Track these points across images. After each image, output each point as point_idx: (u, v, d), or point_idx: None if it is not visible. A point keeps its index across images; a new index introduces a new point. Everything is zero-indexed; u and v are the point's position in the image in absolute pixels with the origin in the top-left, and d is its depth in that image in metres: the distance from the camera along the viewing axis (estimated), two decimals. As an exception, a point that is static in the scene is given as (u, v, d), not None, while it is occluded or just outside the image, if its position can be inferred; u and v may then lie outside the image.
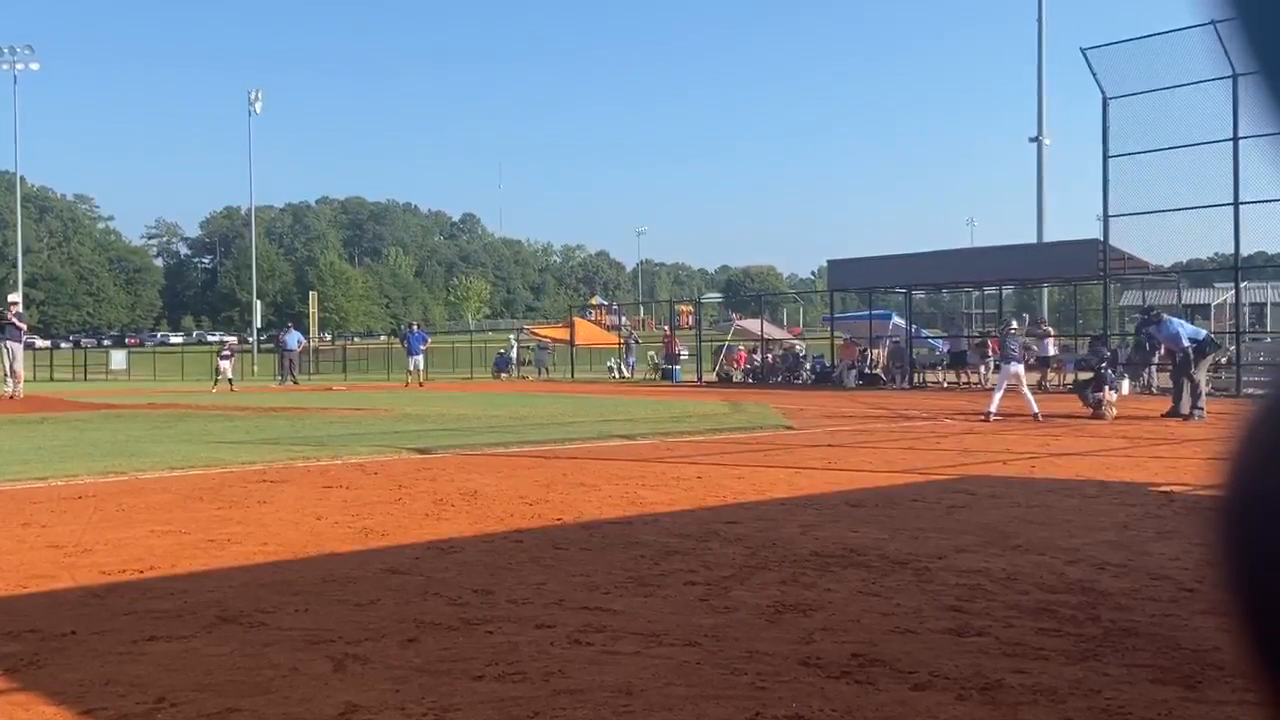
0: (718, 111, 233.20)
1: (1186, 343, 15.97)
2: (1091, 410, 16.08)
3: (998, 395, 16.27)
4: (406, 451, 11.24)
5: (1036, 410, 15.74)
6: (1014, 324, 17.57)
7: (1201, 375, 16.00)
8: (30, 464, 9.90)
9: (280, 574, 5.18)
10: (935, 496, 7.72)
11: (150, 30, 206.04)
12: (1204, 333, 16.95)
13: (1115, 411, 16.11)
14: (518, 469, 9.60)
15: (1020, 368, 16.45)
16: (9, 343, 20.19)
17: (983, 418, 15.64)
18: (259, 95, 63.70)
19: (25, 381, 20.97)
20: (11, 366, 20.15)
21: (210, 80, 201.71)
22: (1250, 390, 21.20)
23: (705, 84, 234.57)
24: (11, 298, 22.84)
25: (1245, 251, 22.44)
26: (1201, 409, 15.47)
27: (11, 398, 19.79)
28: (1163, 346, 18.35)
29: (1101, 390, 16.25)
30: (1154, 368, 23.35)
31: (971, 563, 5.32)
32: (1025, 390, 16.37)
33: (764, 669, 3.58)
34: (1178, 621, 4.18)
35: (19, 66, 55.44)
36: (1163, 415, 16.01)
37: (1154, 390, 22.45)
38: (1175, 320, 17.21)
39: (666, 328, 39.92)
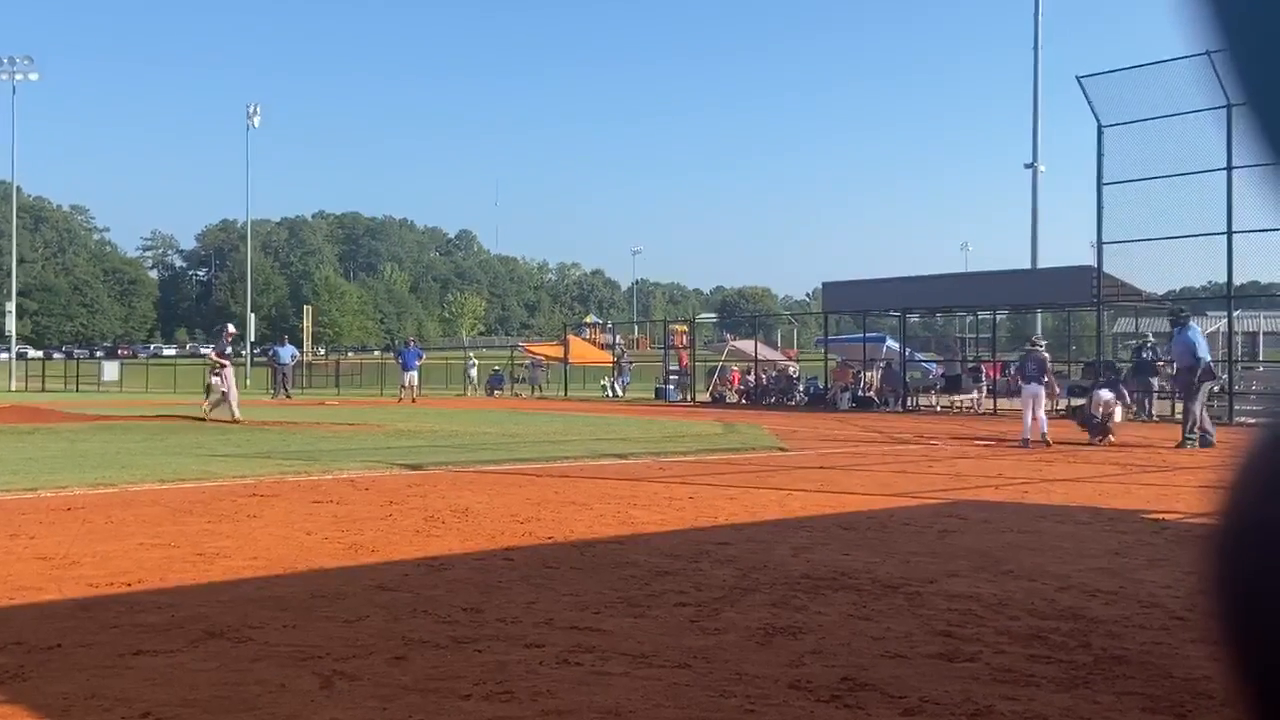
0: (715, 133, 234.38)
1: (1205, 357, 15.47)
2: (1099, 437, 15.82)
3: (1029, 419, 15.48)
4: (398, 467, 11.21)
5: (1028, 437, 15.42)
6: (1040, 342, 16.59)
7: (1198, 405, 15.54)
8: (20, 475, 9.86)
9: (268, 589, 5.15)
10: (927, 521, 7.71)
11: (149, 43, 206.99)
12: (1209, 359, 16.40)
13: (1115, 436, 15.88)
14: (509, 487, 9.58)
15: (1040, 389, 15.74)
16: (224, 370, 19.65)
17: (1019, 444, 15.08)
18: (257, 109, 63.96)
19: (17, 392, 20.57)
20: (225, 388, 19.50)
21: (208, 94, 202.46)
22: (1244, 419, 21.23)
23: (703, 105, 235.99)
24: (230, 327, 22.30)
25: (1238, 280, 22.52)
26: (1204, 436, 15.17)
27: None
28: (1172, 365, 18.06)
29: (1097, 413, 16.04)
30: (1154, 395, 23.41)
31: (963, 588, 5.31)
32: (1027, 414, 15.70)
33: (753, 692, 3.57)
34: (1168, 650, 4.17)
35: (18, 77, 55.53)
36: (1175, 446, 15.29)
37: (1153, 418, 22.48)
38: (1198, 331, 16.35)
39: (683, 351, 40.02)
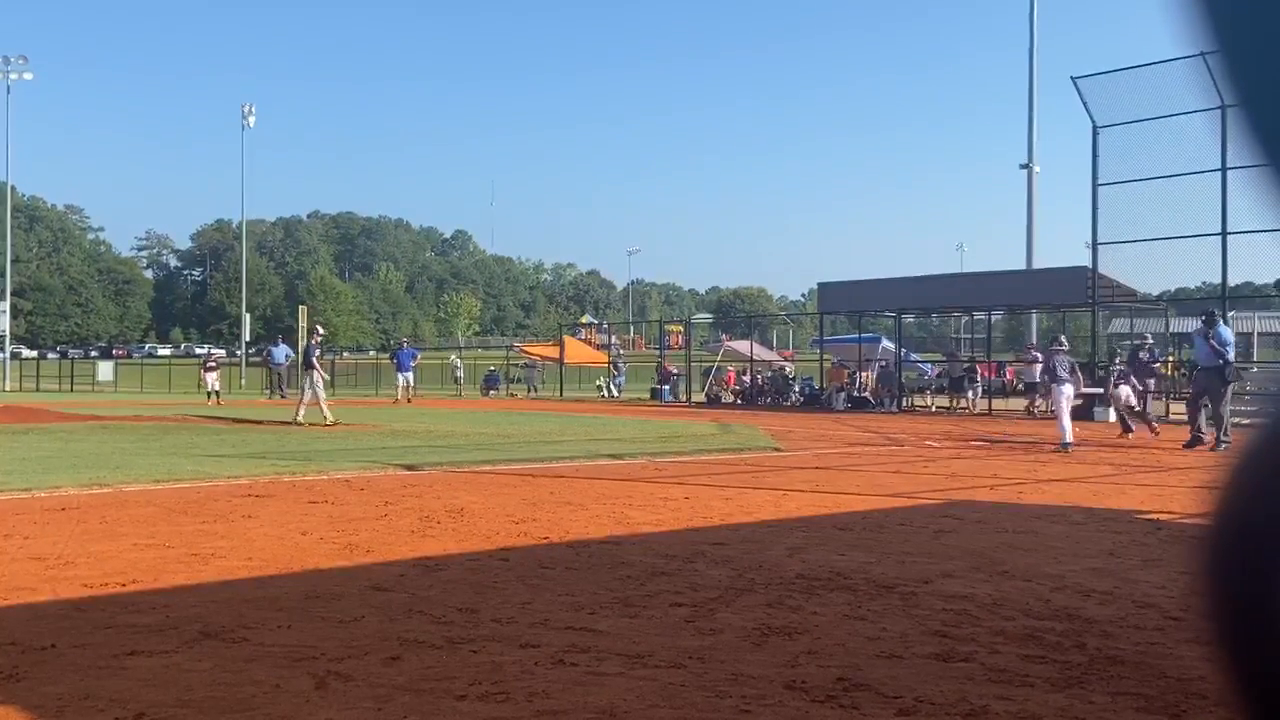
0: (711, 134, 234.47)
1: (1232, 355, 15.37)
2: (1145, 428, 16.98)
3: (1066, 423, 14.91)
4: (393, 468, 11.20)
5: (1070, 441, 14.71)
6: (1063, 341, 16.35)
7: (1227, 406, 15.19)
8: (14, 475, 9.84)
9: (263, 589, 5.15)
10: (922, 521, 7.72)
11: (145, 42, 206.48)
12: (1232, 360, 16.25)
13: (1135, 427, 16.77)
14: (504, 487, 9.58)
15: (1070, 389, 15.30)
16: (312, 372, 19.14)
17: (1059, 448, 14.53)
18: (252, 109, 63.77)
19: (11, 392, 19.90)
20: (316, 392, 18.95)
21: (203, 93, 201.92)
22: (1238, 420, 21.25)
23: (699, 106, 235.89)
24: (319, 329, 21.60)
25: (1232, 281, 22.59)
26: (1195, 436, 15.23)
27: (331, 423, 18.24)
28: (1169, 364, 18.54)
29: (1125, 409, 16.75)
30: (1149, 396, 23.45)
31: (958, 588, 5.32)
32: (1065, 417, 15.11)
33: (749, 692, 3.57)
34: (1163, 650, 4.18)
35: (13, 76, 55.38)
36: (1183, 446, 15.22)
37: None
38: (1229, 331, 16.06)
39: (667, 360, 40.18)
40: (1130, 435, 17.14)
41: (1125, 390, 17.49)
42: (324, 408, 18.63)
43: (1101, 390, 18.58)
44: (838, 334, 36.66)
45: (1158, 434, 17.09)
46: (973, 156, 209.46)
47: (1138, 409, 17.95)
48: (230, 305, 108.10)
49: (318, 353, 19.71)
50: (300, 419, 18.45)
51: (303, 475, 10.32)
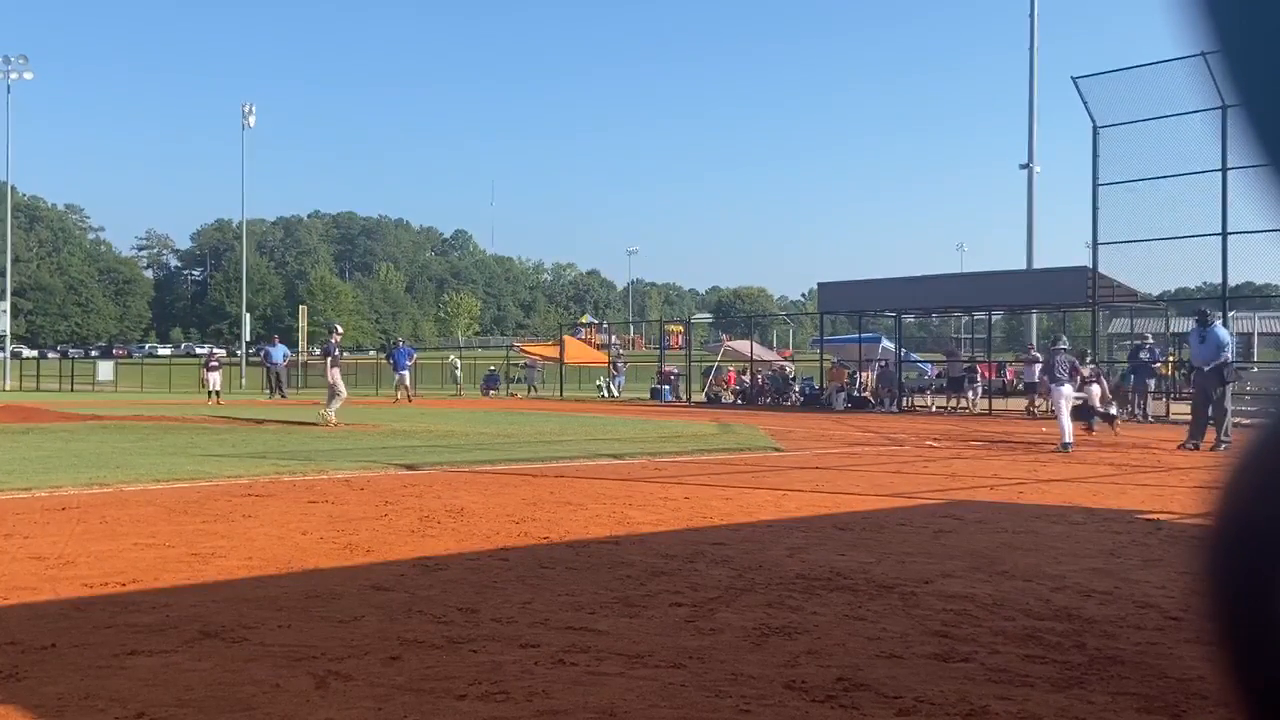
0: (711, 133, 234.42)
1: (1231, 356, 15.25)
2: (1110, 424, 17.40)
3: (1066, 423, 14.90)
4: (393, 467, 11.20)
5: (1069, 441, 14.70)
6: (1064, 341, 16.40)
7: (1227, 405, 15.09)
8: (14, 474, 9.84)
9: (263, 589, 5.15)
10: (922, 521, 7.72)
11: (145, 41, 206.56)
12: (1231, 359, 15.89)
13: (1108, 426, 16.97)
14: (504, 487, 9.58)
15: (1070, 389, 15.29)
16: (333, 369, 19.09)
17: (1059, 448, 14.51)
18: (252, 109, 63.73)
19: (11, 391, 19.74)
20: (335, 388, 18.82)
21: (203, 93, 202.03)
22: (1239, 421, 21.26)
23: (699, 106, 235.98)
24: (337, 328, 21.33)
25: (1233, 281, 22.56)
26: (1191, 438, 15.23)
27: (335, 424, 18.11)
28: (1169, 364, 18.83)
29: (1100, 407, 17.01)
30: (1150, 396, 23.48)
31: (958, 588, 5.32)
32: (1064, 417, 15.10)
33: (748, 692, 3.57)
34: (1163, 650, 4.18)
35: (13, 76, 55.35)
36: (1178, 447, 15.12)
37: (1148, 419, 22.51)
38: (1225, 331, 15.93)
39: (666, 367, 40.30)
40: (1116, 428, 17.61)
41: (1096, 389, 18.07)
42: (331, 408, 18.59)
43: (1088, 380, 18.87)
44: (838, 334, 36.65)
45: (1116, 433, 17.39)
46: (973, 156, 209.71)
47: (1101, 409, 18.13)
48: (230, 305, 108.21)
49: (336, 351, 19.70)
50: (331, 417, 18.37)
51: (303, 475, 10.32)
